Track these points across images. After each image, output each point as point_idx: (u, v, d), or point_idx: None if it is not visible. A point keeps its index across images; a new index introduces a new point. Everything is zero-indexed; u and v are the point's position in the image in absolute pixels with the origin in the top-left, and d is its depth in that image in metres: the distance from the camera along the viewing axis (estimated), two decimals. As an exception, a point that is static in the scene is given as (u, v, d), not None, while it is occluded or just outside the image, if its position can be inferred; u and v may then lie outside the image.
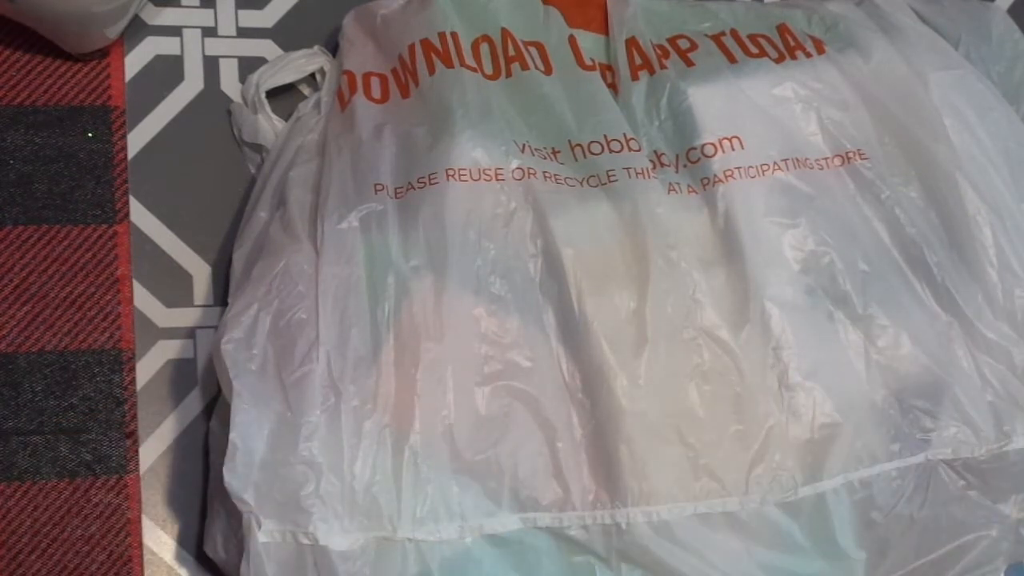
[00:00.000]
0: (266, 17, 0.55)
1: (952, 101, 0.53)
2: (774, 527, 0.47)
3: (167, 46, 0.54)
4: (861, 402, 0.48)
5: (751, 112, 0.52)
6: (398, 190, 0.48)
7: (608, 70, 0.54)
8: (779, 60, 0.54)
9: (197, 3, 0.54)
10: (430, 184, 0.47)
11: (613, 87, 0.53)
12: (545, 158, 0.50)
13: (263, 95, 0.52)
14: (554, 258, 0.47)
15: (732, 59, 0.54)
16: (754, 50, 0.54)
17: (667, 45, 0.54)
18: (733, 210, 0.49)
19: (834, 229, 0.50)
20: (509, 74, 0.51)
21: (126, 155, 0.52)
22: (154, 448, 0.50)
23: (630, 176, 0.49)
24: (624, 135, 0.50)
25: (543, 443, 0.46)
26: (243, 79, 0.54)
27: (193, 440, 0.51)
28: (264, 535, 0.42)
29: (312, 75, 0.54)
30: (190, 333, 0.52)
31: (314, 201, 0.48)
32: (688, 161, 0.51)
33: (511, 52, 0.52)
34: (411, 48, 0.51)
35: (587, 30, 0.54)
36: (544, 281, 0.47)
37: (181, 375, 0.51)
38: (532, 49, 0.52)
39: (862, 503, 0.48)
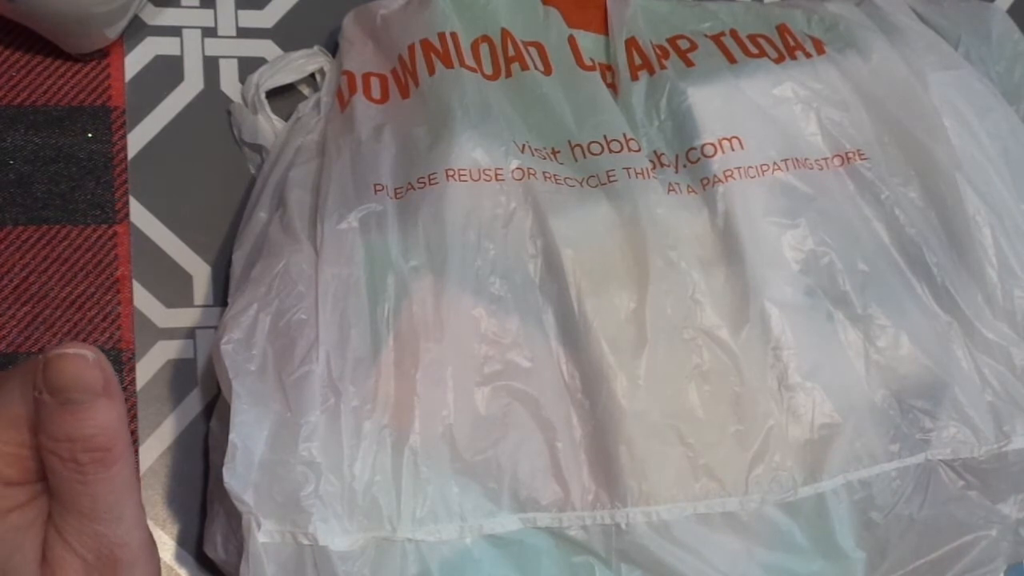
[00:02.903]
0: (266, 17, 0.55)
1: (952, 101, 0.53)
2: (774, 527, 0.47)
3: (167, 46, 0.54)
4: (861, 402, 0.48)
5: (751, 112, 0.52)
6: (398, 190, 0.48)
7: (608, 70, 0.54)
8: (779, 60, 0.54)
9: (197, 3, 0.54)
10: (430, 184, 0.47)
11: (613, 87, 0.53)
12: (545, 158, 0.50)
13: (263, 95, 0.52)
14: (554, 258, 0.47)
15: (732, 59, 0.54)
16: (754, 50, 0.54)
17: (667, 45, 0.54)
18: (733, 210, 0.49)
19: (834, 229, 0.50)
20: (509, 74, 0.51)
21: (126, 155, 0.52)
22: (154, 448, 0.50)
23: (630, 176, 0.49)
24: (624, 135, 0.50)
25: (543, 443, 0.46)
26: (243, 79, 0.54)
27: (193, 440, 0.51)
28: (264, 535, 0.42)
29: (312, 75, 0.54)
30: (190, 333, 0.52)
31: (314, 201, 0.48)
32: (688, 161, 0.51)
33: (511, 52, 0.52)
34: (411, 48, 0.51)
35: (587, 30, 0.54)
36: (544, 281, 0.47)
37: (181, 375, 0.51)
38: (532, 49, 0.52)
39: (862, 503, 0.48)
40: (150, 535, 0.38)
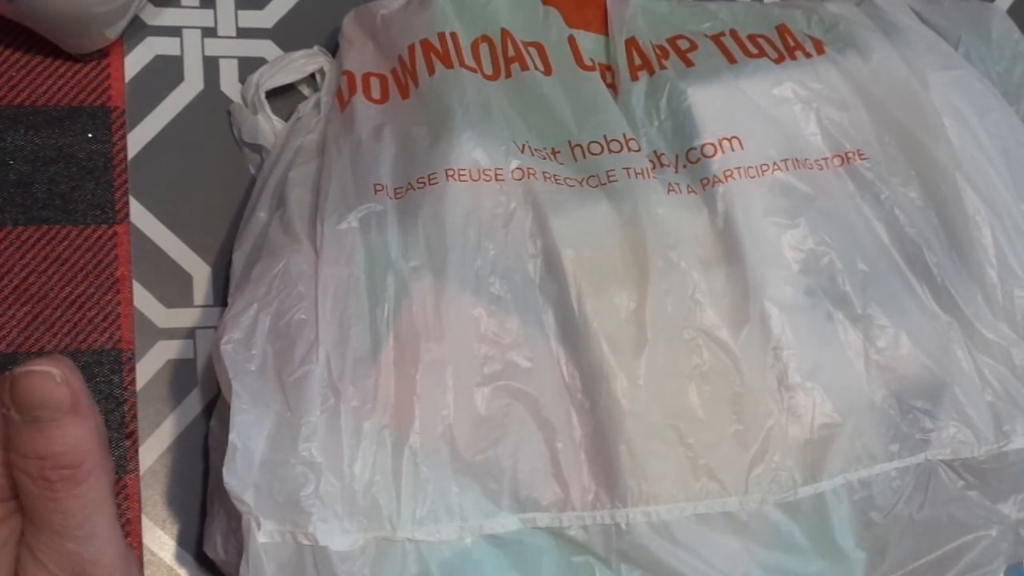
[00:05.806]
0: (266, 17, 0.55)
1: (952, 101, 0.53)
2: (774, 527, 0.47)
3: (167, 46, 0.54)
4: (861, 402, 0.48)
5: (751, 112, 0.52)
6: (398, 190, 0.48)
7: (608, 70, 0.54)
8: (779, 60, 0.54)
9: (197, 3, 0.54)
10: (430, 184, 0.47)
11: (613, 87, 0.53)
12: (545, 158, 0.50)
13: (263, 95, 0.52)
14: (554, 258, 0.47)
15: (732, 59, 0.54)
16: (754, 50, 0.54)
17: (667, 45, 0.54)
18: (733, 210, 0.49)
19: (834, 229, 0.50)
20: (509, 74, 0.51)
21: (126, 155, 0.52)
22: (154, 448, 0.50)
23: (630, 176, 0.49)
24: (624, 135, 0.50)
25: (543, 443, 0.46)
26: (243, 79, 0.54)
27: (193, 440, 0.51)
28: (264, 535, 0.42)
29: (312, 75, 0.54)
30: (190, 333, 0.52)
31: (314, 201, 0.48)
32: (688, 161, 0.51)
33: (511, 52, 0.52)
34: (411, 48, 0.51)
35: (587, 30, 0.54)
36: (544, 281, 0.47)
37: (181, 375, 0.51)
38: (532, 49, 0.52)
39: (861, 503, 0.48)
40: (126, 551, 0.37)
